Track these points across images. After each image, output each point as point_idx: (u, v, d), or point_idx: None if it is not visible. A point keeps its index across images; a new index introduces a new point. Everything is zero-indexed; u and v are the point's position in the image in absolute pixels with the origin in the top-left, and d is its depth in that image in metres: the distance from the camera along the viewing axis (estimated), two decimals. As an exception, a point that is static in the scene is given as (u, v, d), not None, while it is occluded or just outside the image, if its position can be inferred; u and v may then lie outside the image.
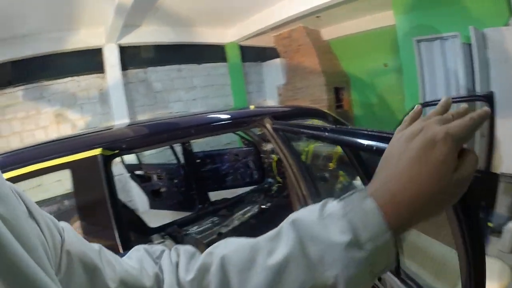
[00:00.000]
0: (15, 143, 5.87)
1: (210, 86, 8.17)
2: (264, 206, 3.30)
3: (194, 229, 3.12)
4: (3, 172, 1.34)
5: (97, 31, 6.32)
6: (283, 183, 3.41)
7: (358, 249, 0.44)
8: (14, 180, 1.37)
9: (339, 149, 3.31)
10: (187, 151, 3.86)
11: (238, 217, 3.19)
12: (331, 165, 3.34)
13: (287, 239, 0.47)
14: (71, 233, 0.46)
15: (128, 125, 2.19)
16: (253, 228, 2.98)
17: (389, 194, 0.46)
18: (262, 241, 0.50)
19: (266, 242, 0.49)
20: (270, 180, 3.73)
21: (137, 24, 6.72)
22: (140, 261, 0.54)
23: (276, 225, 0.52)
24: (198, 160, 4.01)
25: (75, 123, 6.45)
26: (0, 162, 1.49)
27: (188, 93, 7.79)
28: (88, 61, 6.53)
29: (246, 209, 3.32)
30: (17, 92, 6.06)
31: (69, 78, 6.46)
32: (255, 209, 3.28)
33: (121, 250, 1.37)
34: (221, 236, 2.81)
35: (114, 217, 1.38)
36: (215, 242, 2.09)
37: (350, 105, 9.10)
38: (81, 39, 6.30)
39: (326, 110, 2.91)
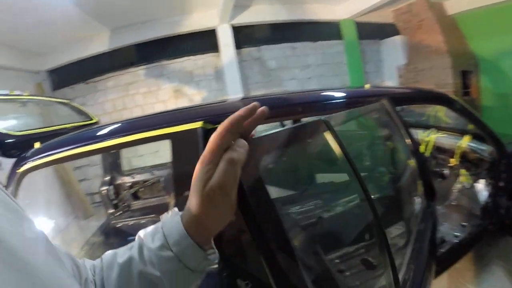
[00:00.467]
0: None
1: (325, 65, 7.86)
2: (372, 196, 3.02)
3: (295, 209, 2.98)
4: (119, 137, 1.47)
5: (209, 13, 6.66)
6: (396, 174, 3.09)
7: (167, 250, 0.62)
8: (122, 146, 1.48)
9: (463, 143, 2.94)
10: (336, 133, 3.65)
11: (342, 204, 2.96)
12: (453, 161, 2.97)
13: (134, 247, 0.67)
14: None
15: (236, 100, 2.13)
16: (355, 218, 2.63)
17: (187, 207, 0.64)
18: (123, 249, 0.69)
19: (124, 250, 0.69)
20: (381, 169, 3.41)
21: (247, 5, 6.84)
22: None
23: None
24: (309, 140, 3.81)
25: (192, 98, 7.03)
26: (114, 129, 1.60)
27: (302, 71, 7.65)
28: (203, 41, 6.98)
29: (352, 196, 3.06)
30: (139, 71, 6.97)
31: (186, 58, 7.02)
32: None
33: None
34: (321, 221, 2.64)
35: None
36: (313, 226, 1.92)
37: (478, 92, 7.56)
38: (195, 22, 6.74)
39: (453, 96, 2.55)
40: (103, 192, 3.59)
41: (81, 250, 2.90)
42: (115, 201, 3.59)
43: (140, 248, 0.65)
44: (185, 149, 1.41)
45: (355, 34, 7.96)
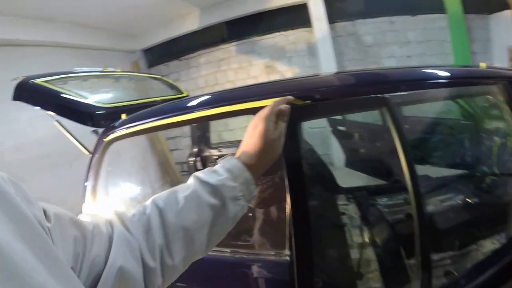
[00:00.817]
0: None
1: (427, 42, 6.88)
2: (468, 200, 2.51)
3: (383, 201, 2.75)
4: (199, 110, 1.44)
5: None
6: (501, 177, 2.53)
7: (233, 181, 0.79)
8: (202, 120, 1.45)
9: None
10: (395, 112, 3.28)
11: (434, 203, 2.51)
12: None
13: (194, 183, 0.79)
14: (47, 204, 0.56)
15: (328, 74, 1.96)
16: (446, 222, 2.26)
17: (244, 151, 0.87)
18: (181, 187, 0.80)
19: (183, 188, 0.79)
20: (484, 168, 2.89)
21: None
22: (93, 216, 0.70)
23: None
24: (406, 126, 3.39)
25: (284, 74, 6.83)
26: (194, 103, 1.56)
27: (401, 49, 6.86)
28: (295, 16, 6.70)
29: (446, 196, 2.59)
30: (230, 47, 7.06)
31: (278, 33, 6.83)
32: (457, 200, 2.52)
33: (290, 201, 1.25)
34: (409, 218, 2.34)
35: (288, 173, 1.23)
36: (400, 223, 1.69)
37: None
38: (286, -4, 6.49)
39: None
40: (190, 162, 3.79)
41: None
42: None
43: (201, 183, 0.78)
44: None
45: (460, 7, 6.72)
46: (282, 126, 0.93)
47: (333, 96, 1.36)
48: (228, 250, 1.48)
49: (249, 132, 0.90)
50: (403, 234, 2.08)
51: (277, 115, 0.92)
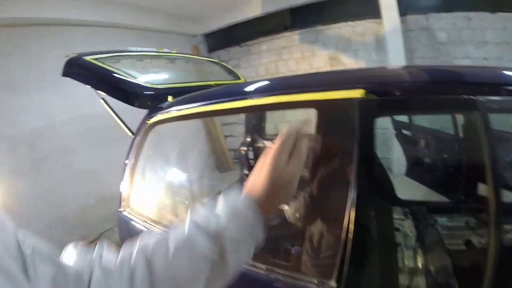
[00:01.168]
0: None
1: (506, 44, 6.03)
2: None
3: (442, 221, 2.38)
4: (248, 99, 1.31)
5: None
6: None
7: (237, 227, 0.67)
8: (250, 109, 1.36)
9: None
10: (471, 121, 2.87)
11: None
12: None
13: (189, 227, 0.68)
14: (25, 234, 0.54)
15: (400, 68, 1.71)
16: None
17: (250, 192, 0.74)
18: (172, 230, 0.69)
19: (175, 231, 0.68)
20: None
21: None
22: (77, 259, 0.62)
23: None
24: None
25: (349, 67, 6.48)
26: (244, 90, 1.42)
27: (478, 50, 6.11)
28: (363, 6, 6.30)
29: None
30: (293, 36, 6.83)
31: (344, 23, 6.48)
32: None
33: (351, 214, 1.06)
34: (468, 246, 2.02)
35: (356, 185, 1.03)
36: (459, 251, 1.31)
37: None
38: (353, -16, 6.17)
39: None
40: (242, 151, 3.67)
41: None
42: (252, 162, 3.62)
43: (198, 230, 0.67)
44: (334, 124, 1.08)
45: (545, 8, 6.07)
46: (298, 163, 0.76)
47: (416, 92, 1.13)
48: (263, 266, 1.29)
49: (256, 171, 0.78)
50: (460, 265, 1.81)
51: (291, 151, 0.77)
